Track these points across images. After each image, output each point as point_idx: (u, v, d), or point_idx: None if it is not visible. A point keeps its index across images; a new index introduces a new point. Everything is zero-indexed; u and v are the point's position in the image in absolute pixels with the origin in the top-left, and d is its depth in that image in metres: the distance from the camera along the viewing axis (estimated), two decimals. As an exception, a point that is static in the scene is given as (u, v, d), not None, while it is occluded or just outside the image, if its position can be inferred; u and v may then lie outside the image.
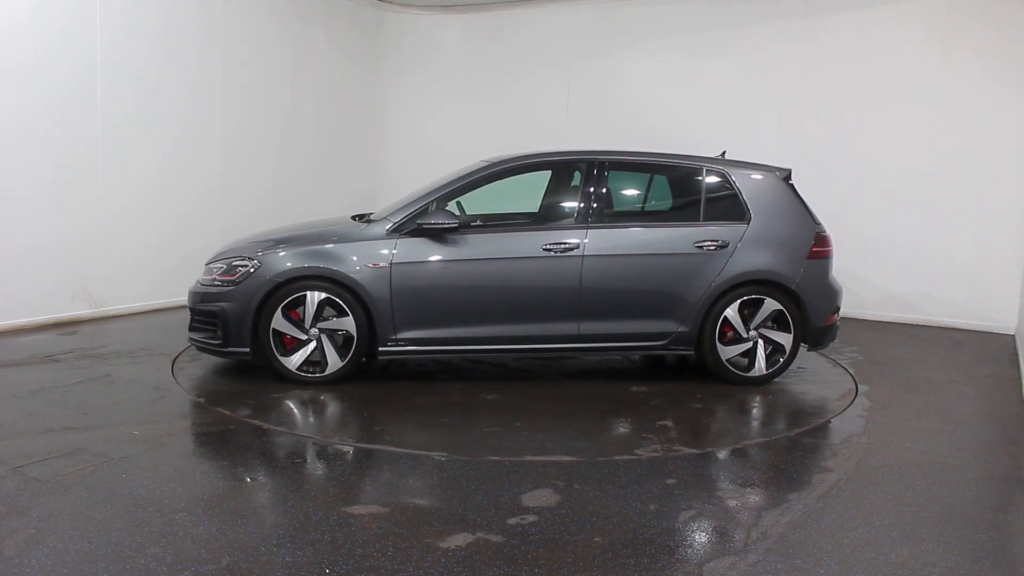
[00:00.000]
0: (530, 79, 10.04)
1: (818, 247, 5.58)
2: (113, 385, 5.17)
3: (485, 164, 5.71)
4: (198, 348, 5.54)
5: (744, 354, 5.56)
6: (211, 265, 5.51)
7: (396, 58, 10.61)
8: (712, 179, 5.67)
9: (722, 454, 4.33)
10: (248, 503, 3.44)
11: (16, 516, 3.22)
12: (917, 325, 8.20)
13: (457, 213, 5.66)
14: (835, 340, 5.93)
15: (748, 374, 5.55)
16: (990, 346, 7.35)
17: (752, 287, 5.49)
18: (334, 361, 5.26)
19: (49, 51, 6.70)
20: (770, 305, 5.49)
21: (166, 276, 7.78)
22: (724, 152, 5.99)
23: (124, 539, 3.04)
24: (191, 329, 5.52)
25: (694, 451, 4.26)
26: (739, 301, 5.47)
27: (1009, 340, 7.60)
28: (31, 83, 6.59)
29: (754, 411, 5.17)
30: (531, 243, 5.39)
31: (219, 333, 5.27)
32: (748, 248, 5.48)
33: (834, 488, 3.83)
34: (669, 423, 4.74)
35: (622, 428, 4.71)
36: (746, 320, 5.51)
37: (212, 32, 8.15)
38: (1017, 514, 3.73)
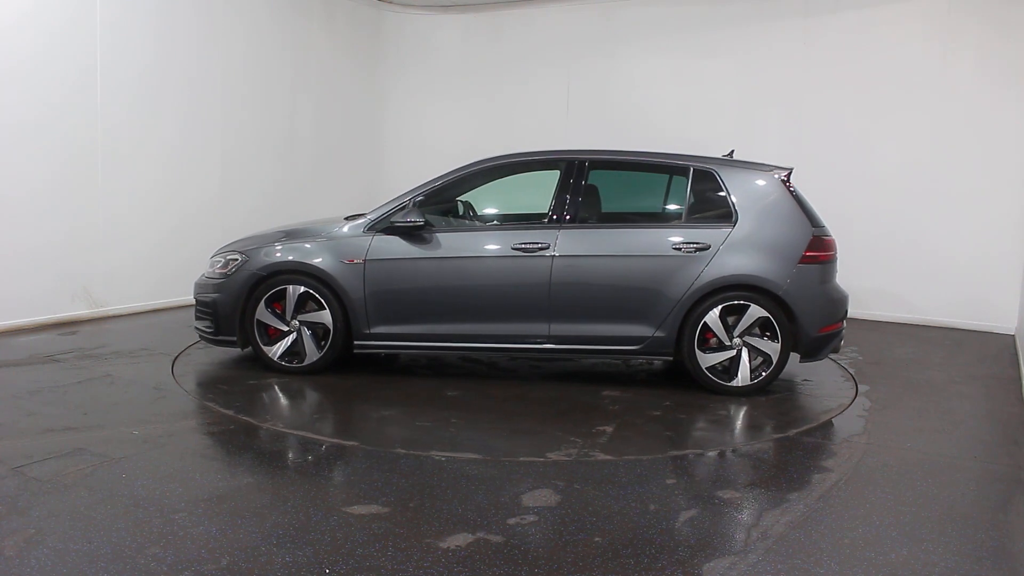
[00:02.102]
0: (530, 79, 10.04)
1: (813, 251, 5.27)
2: (113, 385, 5.17)
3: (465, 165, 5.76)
4: (200, 337, 5.81)
5: (730, 362, 5.30)
6: (214, 258, 5.82)
7: (396, 58, 10.61)
8: (699, 179, 5.45)
9: (654, 460, 4.27)
10: (248, 503, 3.44)
11: (16, 516, 3.22)
12: (917, 325, 8.20)
13: (466, 212, 5.85)
14: (837, 352, 5.58)
15: (730, 384, 5.29)
16: (990, 346, 7.35)
17: (734, 292, 5.23)
18: (312, 352, 5.50)
19: (49, 50, 6.70)
20: (755, 312, 5.21)
21: (166, 276, 7.79)
22: (732, 151, 5.86)
23: (124, 539, 3.04)
24: (195, 318, 5.80)
25: (609, 458, 4.11)
26: (720, 307, 5.22)
27: (1009, 340, 7.60)
28: (31, 82, 6.59)
29: (721, 418, 4.94)
30: (501, 242, 5.42)
31: (212, 322, 5.58)
32: (732, 251, 5.24)
33: (834, 488, 3.83)
34: (609, 428, 4.59)
35: (557, 430, 4.56)
36: (731, 327, 5.26)
37: (212, 32, 8.15)
38: (1017, 514, 3.73)
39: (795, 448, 4.41)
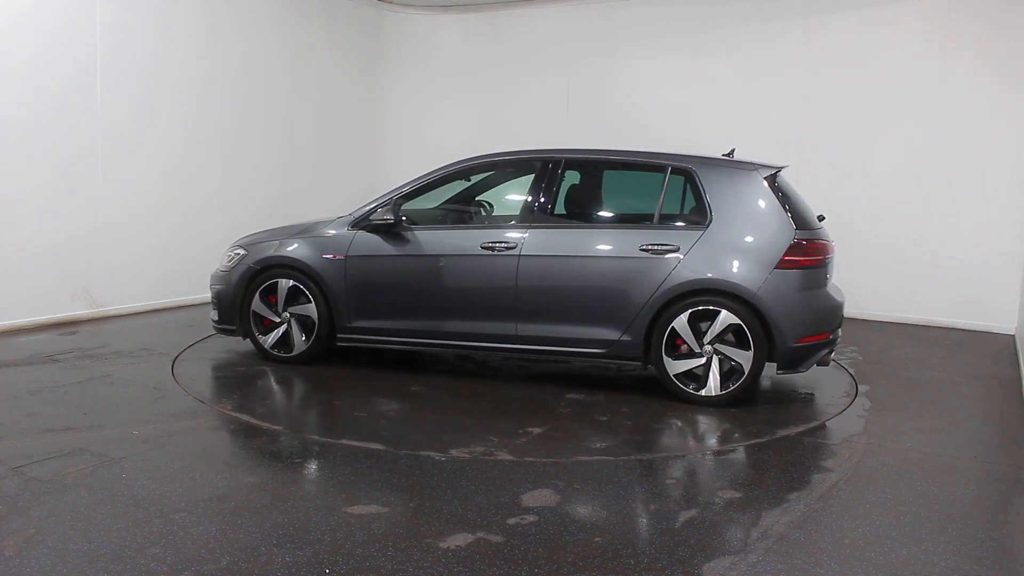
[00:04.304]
0: (530, 79, 10.03)
1: (793, 255, 4.93)
2: (113, 385, 5.17)
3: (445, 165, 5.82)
4: (212, 327, 6.06)
5: (701, 370, 5.03)
6: (226, 252, 6.11)
7: (396, 58, 10.60)
8: (674, 178, 5.28)
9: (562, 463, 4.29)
10: (248, 503, 3.44)
11: (16, 516, 3.22)
12: (917, 325, 8.19)
13: (483, 210, 6.03)
14: (825, 365, 5.30)
15: (699, 393, 5.01)
16: (990, 346, 7.35)
17: (704, 296, 4.97)
18: (299, 343, 5.75)
19: (49, 50, 6.70)
20: (726, 318, 4.92)
21: (166, 276, 7.78)
22: (733, 151, 5.69)
23: (124, 539, 3.04)
24: (211, 308, 6.07)
25: (510, 458, 4.04)
26: (689, 312, 4.97)
27: (1009, 340, 7.60)
28: (31, 82, 6.59)
29: (672, 427, 4.77)
30: (471, 241, 5.45)
31: (218, 312, 5.92)
32: (702, 253, 4.99)
33: (834, 488, 3.83)
34: (538, 430, 4.50)
35: (483, 428, 4.52)
36: (702, 333, 4.98)
37: (212, 32, 8.14)
38: (1017, 514, 3.74)
39: (795, 448, 4.41)
